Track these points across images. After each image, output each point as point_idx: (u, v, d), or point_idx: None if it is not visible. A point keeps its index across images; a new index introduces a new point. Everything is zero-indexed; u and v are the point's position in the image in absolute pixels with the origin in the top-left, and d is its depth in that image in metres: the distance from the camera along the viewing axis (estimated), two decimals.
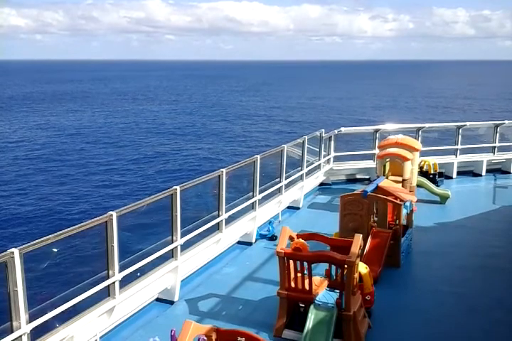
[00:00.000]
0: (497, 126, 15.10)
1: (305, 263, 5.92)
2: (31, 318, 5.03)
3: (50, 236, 5.17)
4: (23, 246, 4.91)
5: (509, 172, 15.07)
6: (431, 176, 13.06)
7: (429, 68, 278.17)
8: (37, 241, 5.04)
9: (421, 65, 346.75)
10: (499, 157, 15.19)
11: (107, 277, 6.02)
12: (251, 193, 9.47)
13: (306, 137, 11.96)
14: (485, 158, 14.93)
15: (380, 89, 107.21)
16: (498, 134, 15.08)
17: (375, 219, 8.42)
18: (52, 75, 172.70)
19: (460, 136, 14.61)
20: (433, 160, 13.54)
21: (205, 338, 4.30)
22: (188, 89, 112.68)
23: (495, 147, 15.12)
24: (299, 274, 6.02)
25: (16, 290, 4.81)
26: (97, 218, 5.84)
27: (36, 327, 5.06)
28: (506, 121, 15.32)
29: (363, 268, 6.42)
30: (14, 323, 4.86)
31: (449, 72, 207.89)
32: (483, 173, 14.79)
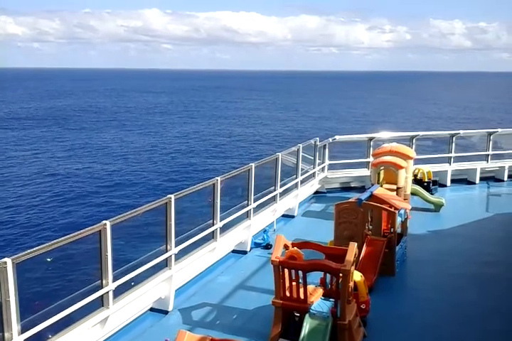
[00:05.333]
0: (490, 134, 15.20)
1: (300, 272, 5.89)
2: (23, 329, 4.97)
3: (43, 245, 5.14)
4: (16, 255, 4.87)
5: (502, 180, 15.13)
6: (425, 184, 13.06)
7: (426, 79, 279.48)
8: (30, 250, 5.00)
9: (418, 76, 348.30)
10: (492, 165, 15.26)
11: (101, 287, 5.97)
12: (246, 201, 9.45)
13: (301, 145, 11.97)
14: (478, 166, 14.99)
15: (378, 100, 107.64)
16: (491, 142, 15.17)
17: (370, 227, 8.42)
18: (51, 85, 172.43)
19: (454, 144, 14.69)
20: (427, 168, 13.56)
21: None
22: (181, 99, 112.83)
23: (488, 155, 15.19)
24: (293, 283, 5.99)
25: (8, 301, 4.76)
26: (91, 227, 5.80)
27: (28, 338, 5.00)
28: (499, 129, 15.42)
29: (357, 276, 6.40)
30: (6, 334, 4.80)
31: (446, 84, 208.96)
32: (477, 181, 14.85)
